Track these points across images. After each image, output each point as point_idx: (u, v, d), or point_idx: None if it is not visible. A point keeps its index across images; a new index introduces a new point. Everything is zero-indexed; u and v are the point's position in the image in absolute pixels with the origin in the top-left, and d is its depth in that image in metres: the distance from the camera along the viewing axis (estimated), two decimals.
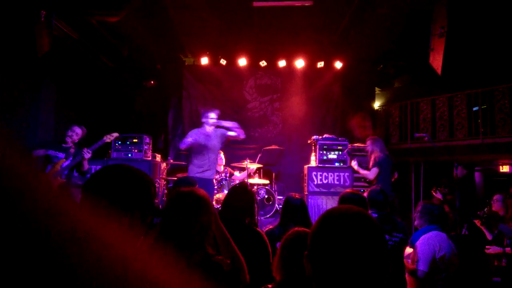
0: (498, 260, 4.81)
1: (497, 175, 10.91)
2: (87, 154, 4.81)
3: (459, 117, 8.76)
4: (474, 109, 8.62)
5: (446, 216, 3.44)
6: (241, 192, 2.84)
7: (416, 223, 3.51)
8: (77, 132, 5.01)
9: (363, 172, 6.14)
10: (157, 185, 6.71)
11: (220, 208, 2.82)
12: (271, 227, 3.32)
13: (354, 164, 6.38)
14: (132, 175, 1.22)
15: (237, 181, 7.44)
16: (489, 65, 8.42)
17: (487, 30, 7.47)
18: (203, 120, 5.88)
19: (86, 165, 4.91)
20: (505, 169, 10.32)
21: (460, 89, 8.83)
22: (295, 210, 3.20)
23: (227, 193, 2.87)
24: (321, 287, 1.06)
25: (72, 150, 4.94)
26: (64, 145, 4.92)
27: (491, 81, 8.33)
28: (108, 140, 5.17)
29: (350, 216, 1.09)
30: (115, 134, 5.26)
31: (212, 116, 5.81)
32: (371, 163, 6.03)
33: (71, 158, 4.84)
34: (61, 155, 4.86)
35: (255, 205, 2.84)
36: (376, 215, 3.47)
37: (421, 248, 3.20)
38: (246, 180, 7.12)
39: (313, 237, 1.11)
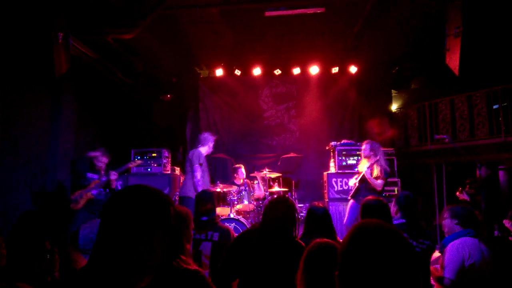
0: None
1: None
2: (114, 176, 5.65)
3: (479, 116, 8.57)
4: (495, 107, 8.43)
5: (477, 218, 3.25)
6: (284, 202, 2.77)
7: (445, 229, 3.31)
8: (103, 161, 5.82)
9: (373, 182, 5.59)
10: (177, 197, 6.77)
11: (262, 222, 2.78)
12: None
13: (367, 172, 5.67)
14: (150, 195, 1.23)
15: (257, 192, 7.44)
16: (508, 62, 8.23)
17: (503, 26, 7.32)
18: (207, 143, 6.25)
19: (113, 184, 5.67)
20: None
21: (479, 87, 8.66)
22: (318, 219, 3.18)
23: (269, 207, 2.77)
24: None
25: (103, 171, 5.82)
26: (98, 166, 5.84)
27: (510, 78, 8.14)
28: (132, 165, 6.11)
29: (383, 235, 1.08)
30: (139, 162, 6.16)
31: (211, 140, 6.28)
32: (376, 172, 5.56)
33: (104, 178, 5.70)
34: (96, 176, 5.75)
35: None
36: (404, 221, 3.41)
37: (449, 255, 3.06)
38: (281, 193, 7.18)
39: (344, 256, 1.10)
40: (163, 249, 1.22)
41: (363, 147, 5.87)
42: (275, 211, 2.70)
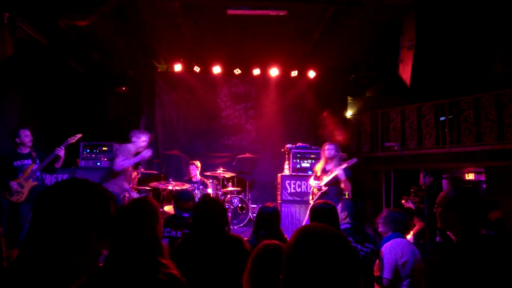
0: None
1: (463, 183, 11.27)
2: (61, 151, 5.07)
3: (427, 127, 9.01)
4: (441, 118, 8.89)
5: (408, 224, 3.50)
6: (212, 201, 2.79)
7: (380, 229, 3.53)
8: (27, 134, 5.16)
9: (346, 183, 5.63)
10: (127, 194, 6.54)
11: (192, 220, 2.75)
12: (248, 238, 3.30)
13: (341, 173, 5.57)
14: (86, 189, 1.15)
15: (211, 191, 7.36)
16: (456, 77, 8.70)
17: (453, 43, 7.73)
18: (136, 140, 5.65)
19: (61, 162, 5.16)
20: (470, 176, 10.69)
21: (428, 99, 9.10)
22: (266, 218, 3.21)
23: (199, 204, 2.78)
24: None
25: (34, 154, 5.17)
26: (24, 151, 5.09)
27: (457, 92, 8.62)
28: (73, 141, 5.34)
29: (327, 239, 1.07)
30: (79, 135, 5.41)
31: (144, 139, 5.66)
32: (339, 168, 5.60)
33: (38, 161, 5.11)
34: (27, 161, 5.08)
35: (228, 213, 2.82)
36: (349, 226, 3.49)
37: (385, 256, 3.23)
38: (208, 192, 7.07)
39: (288, 260, 1.09)
40: (100, 247, 1.14)
41: (327, 147, 5.90)
42: (204, 211, 2.69)
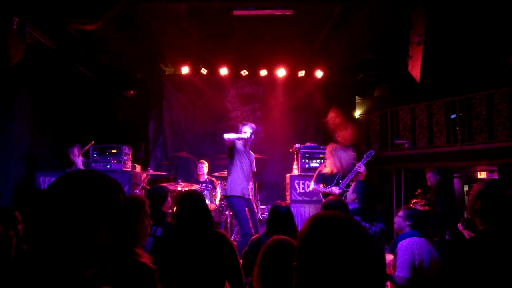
0: None
1: (475, 181, 11.11)
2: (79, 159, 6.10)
3: (438, 125, 8.90)
4: (452, 116, 8.77)
5: (427, 221, 3.41)
6: (192, 198, 2.78)
7: (396, 227, 3.46)
8: (74, 153, 6.02)
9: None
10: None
11: (174, 219, 2.76)
12: (257, 235, 3.28)
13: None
14: (96, 180, 1.13)
15: (219, 191, 7.34)
16: (467, 73, 8.61)
17: (464, 38, 7.64)
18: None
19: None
20: (482, 175, 10.52)
21: (438, 97, 9.00)
22: (280, 218, 3.15)
23: (177, 203, 2.81)
24: None
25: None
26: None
27: (468, 89, 8.50)
28: (86, 148, 6.29)
29: (340, 224, 1.06)
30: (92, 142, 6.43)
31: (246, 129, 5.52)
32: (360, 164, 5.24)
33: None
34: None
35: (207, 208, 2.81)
36: (357, 206, 3.44)
37: (399, 254, 3.16)
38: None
39: (301, 246, 1.07)
40: (111, 238, 1.13)
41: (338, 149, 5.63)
42: (185, 205, 2.72)
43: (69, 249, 1.04)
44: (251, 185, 5.52)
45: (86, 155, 6.95)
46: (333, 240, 1.02)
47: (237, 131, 9.79)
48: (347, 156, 5.53)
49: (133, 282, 1.85)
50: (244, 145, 5.59)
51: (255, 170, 5.80)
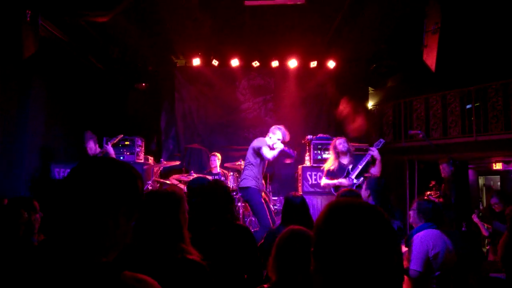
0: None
1: (490, 173, 10.94)
2: (110, 149, 6.25)
3: (452, 115, 8.75)
4: (468, 106, 8.62)
5: (441, 213, 3.38)
6: (216, 188, 2.74)
7: (411, 220, 3.45)
8: (90, 147, 6.08)
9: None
10: (149, 187, 6.61)
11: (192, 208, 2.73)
12: (273, 227, 3.27)
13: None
14: (114, 167, 1.14)
15: (231, 183, 7.36)
16: (482, 62, 8.42)
17: (480, 27, 7.47)
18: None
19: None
20: (498, 166, 10.34)
21: (453, 87, 8.84)
22: (295, 209, 3.13)
23: (203, 192, 2.74)
24: (327, 284, 1.02)
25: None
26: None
27: (484, 78, 8.33)
28: (115, 141, 6.70)
29: (358, 209, 1.06)
30: (120, 136, 6.67)
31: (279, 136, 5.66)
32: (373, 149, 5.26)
33: None
34: None
35: (232, 200, 2.78)
36: (373, 203, 3.41)
37: (415, 247, 3.14)
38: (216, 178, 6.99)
39: (319, 232, 1.07)
40: (130, 225, 1.14)
41: (338, 141, 5.65)
42: (211, 194, 2.67)
43: (89, 234, 1.05)
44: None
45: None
46: (350, 225, 1.02)
47: (248, 122, 9.81)
48: (339, 143, 5.58)
49: (185, 281, 1.74)
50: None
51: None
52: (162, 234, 1.81)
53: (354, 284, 0.99)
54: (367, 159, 5.25)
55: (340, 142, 5.65)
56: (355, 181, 5.28)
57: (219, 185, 2.75)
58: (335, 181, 5.39)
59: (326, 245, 1.04)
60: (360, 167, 5.23)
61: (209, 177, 6.79)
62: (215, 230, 2.55)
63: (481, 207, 5.55)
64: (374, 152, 5.19)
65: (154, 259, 1.52)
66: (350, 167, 5.38)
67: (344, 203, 1.10)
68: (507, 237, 3.80)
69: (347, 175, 5.34)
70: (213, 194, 2.68)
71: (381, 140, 5.38)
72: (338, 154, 5.62)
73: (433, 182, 6.97)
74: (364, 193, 3.46)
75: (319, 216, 1.10)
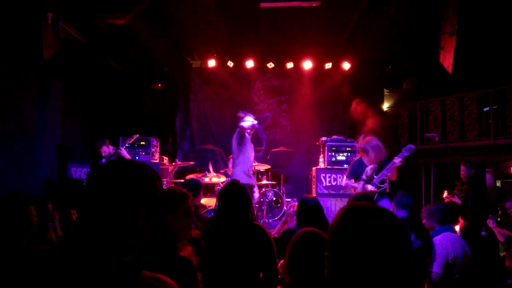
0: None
1: (508, 176, 10.72)
2: (123, 151, 6.18)
3: (469, 118, 8.62)
4: (485, 109, 8.47)
5: (452, 212, 3.41)
6: (236, 188, 2.76)
7: (424, 221, 3.44)
8: (103, 150, 6.09)
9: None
10: (164, 187, 6.67)
11: (216, 208, 2.76)
12: (289, 227, 3.28)
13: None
14: (134, 168, 1.17)
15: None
16: (500, 65, 8.27)
17: (498, 28, 7.34)
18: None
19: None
20: None
21: (470, 89, 8.70)
22: (310, 211, 3.13)
23: (223, 193, 2.79)
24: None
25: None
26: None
27: (502, 81, 8.18)
28: (130, 142, 6.71)
29: (373, 213, 1.06)
30: (135, 136, 6.59)
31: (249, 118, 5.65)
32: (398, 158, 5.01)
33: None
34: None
35: (251, 200, 2.80)
36: (405, 216, 3.36)
37: (435, 250, 3.14)
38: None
39: (334, 235, 1.08)
40: (148, 225, 1.16)
41: (373, 140, 5.23)
42: (229, 195, 2.70)
43: (109, 234, 1.07)
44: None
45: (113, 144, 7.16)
46: (364, 228, 1.03)
47: (262, 123, 9.80)
48: (378, 147, 5.15)
49: (174, 276, 1.79)
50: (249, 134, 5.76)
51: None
52: (154, 231, 1.86)
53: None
54: (393, 166, 4.96)
55: (374, 139, 5.25)
56: (378, 186, 5.03)
57: (234, 186, 2.77)
58: (358, 186, 5.12)
59: (341, 248, 1.04)
60: (386, 173, 4.96)
61: (225, 178, 6.86)
62: (232, 229, 2.58)
63: (499, 212, 5.44)
64: (398, 161, 4.93)
65: (144, 255, 1.55)
66: (374, 172, 5.06)
67: (359, 206, 1.10)
68: None
69: (371, 180, 5.05)
70: (227, 194, 2.72)
71: (411, 146, 5.04)
72: (366, 152, 5.19)
73: (457, 182, 6.74)
74: (394, 207, 3.44)
75: (334, 219, 1.11)
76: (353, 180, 5.28)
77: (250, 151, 5.65)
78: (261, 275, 2.60)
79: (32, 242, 2.39)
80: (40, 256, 1.06)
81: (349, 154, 7.40)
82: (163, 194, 1.87)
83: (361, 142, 5.32)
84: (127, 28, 7.15)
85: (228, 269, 2.49)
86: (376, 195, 4.98)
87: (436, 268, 3.09)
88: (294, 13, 7.41)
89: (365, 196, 3.44)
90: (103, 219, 1.08)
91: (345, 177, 5.46)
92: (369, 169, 5.06)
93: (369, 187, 5.00)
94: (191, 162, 7.98)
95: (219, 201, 2.73)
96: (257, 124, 5.62)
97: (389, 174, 5.00)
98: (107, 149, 6.18)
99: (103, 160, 5.90)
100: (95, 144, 6.25)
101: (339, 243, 1.05)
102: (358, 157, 5.48)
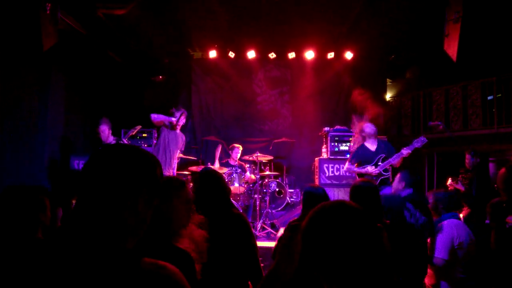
0: None
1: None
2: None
3: (473, 106, 8.55)
4: (489, 98, 8.41)
5: (457, 198, 3.49)
6: (213, 176, 2.70)
7: (429, 206, 3.45)
8: (103, 130, 6.12)
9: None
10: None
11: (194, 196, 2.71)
12: (295, 219, 3.23)
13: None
14: (133, 154, 1.13)
15: (248, 175, 7.38)
16: (504, 52, 8.18)
17: (502, 16, 7.25)
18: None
19: None
20: None
21: (474, 77, 8.62)
22: (317, 200, 3.06)
23: (200, 180, 2.71)
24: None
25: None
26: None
27: (506, 69, 8.10)
28: (133, 133, 6.59)
29: (339, 214, 1.11)
30: (138, 127, 6.62)
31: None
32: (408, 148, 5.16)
33: None
34: None
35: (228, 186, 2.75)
36: (411, 192, 3.38)
37: (440, 236, 3.14)
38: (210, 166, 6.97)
39: (303, 237, 1.14)
40: (149, 212, 1.13)
41: (366, 125, 5.55)
42: (205, 183, 2.65)
43: (109, 221, 1.04)
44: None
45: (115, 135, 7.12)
46: (329, 229, 1.08)
47: (264, 114, 9.78)
48: (367, 126, 5.50)
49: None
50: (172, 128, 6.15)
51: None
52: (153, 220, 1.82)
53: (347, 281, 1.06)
54: (400, 157, 5.12)
55: (367, 125, 5.55)
56: (383, 173, 5.20)
57: (209, 174, 2.71)
58: (361, 170, 5.30)
59: (308, 246, 1.11)
60: (392, 162, 5.13)
61: (226, 169, 6.85)
62: (210, 218, 2.52)
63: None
64: (406, 152, 5.09)
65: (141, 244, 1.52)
66: (381, 158, 5.25)
67: (325, 205, 1.15)
68: None
69: (376, 165, 5.23)
70: (202, 183, 2.66)
71: (423, 138, 5.13)
72: (364, 138, 5.54)
73: (462, 170, 6.75)
74: (397, 185, 3.43)
75: (303, 222, 1.16)
76: (356, 165, 5.43)
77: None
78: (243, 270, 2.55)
79: (46, 234, 2.37)
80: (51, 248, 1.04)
81: (352, 144, 7.35)
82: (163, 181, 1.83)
83: (358, 127, 5.71)
84: (127, 19, 7.08)
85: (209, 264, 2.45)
86: (378, 181, 5.10)
87: (440, 254, 3.10)
88: (296, 2, 7.33)
89: (367, 183, 3.38)
90: (103, 205, 1.04)
91: (347, 163, 5.57)
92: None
93: (372, 170, 5.15)
94: (193, 158, 7.98)
95: (194, 192, 2.63)
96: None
97: (393, 162, 5.10)
98: (106, 131, 6.14)
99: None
100: (99, 121, 6.28)
101: (306, 242, 1.11)
102: (361, 143, 5.61)
